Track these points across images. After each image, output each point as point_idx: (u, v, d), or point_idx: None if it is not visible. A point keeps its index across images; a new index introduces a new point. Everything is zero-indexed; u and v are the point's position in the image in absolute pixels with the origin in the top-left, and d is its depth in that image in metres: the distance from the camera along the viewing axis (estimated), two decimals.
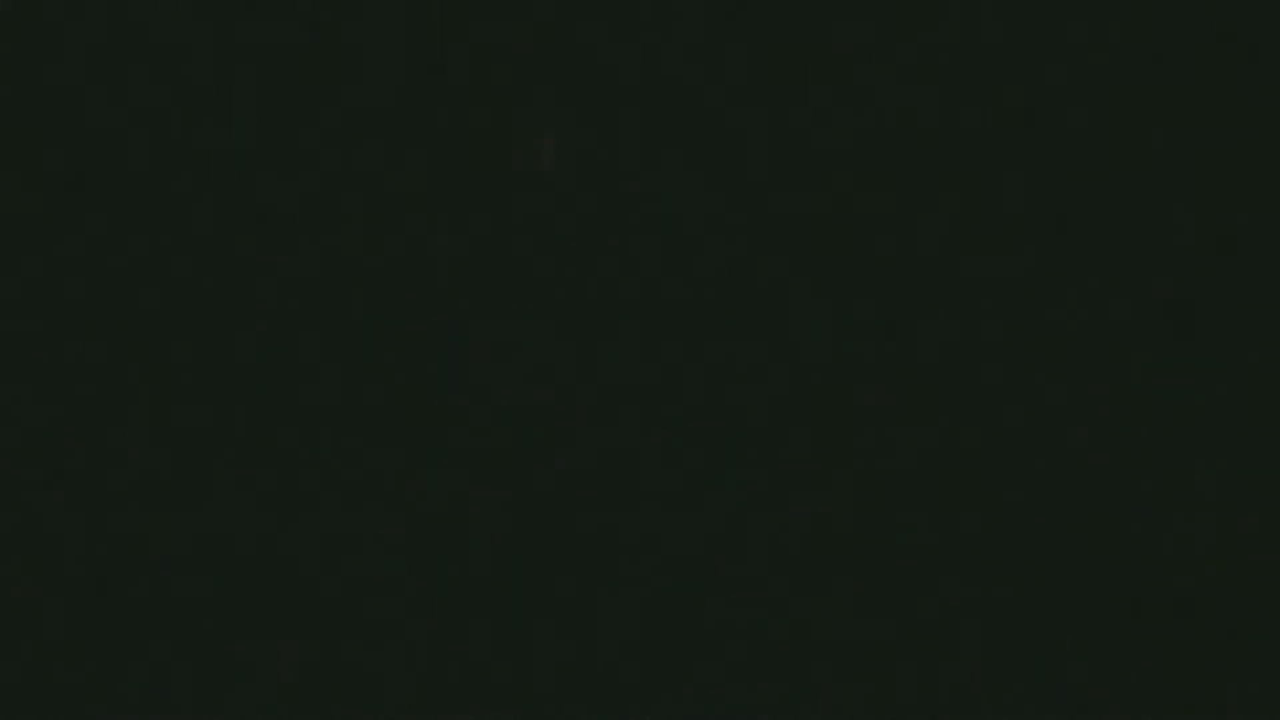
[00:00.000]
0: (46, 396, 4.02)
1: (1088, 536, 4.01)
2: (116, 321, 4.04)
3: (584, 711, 3.95)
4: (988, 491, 4.02)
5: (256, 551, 3.99)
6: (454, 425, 4.04)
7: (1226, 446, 4.02)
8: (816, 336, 4.07)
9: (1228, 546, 3.99)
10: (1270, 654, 3.94)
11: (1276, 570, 3.98)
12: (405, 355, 4.06)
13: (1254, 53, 4.08)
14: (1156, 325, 4.06)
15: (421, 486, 4.03)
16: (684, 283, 4.09)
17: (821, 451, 4.04)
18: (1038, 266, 4.08)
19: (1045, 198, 4.08)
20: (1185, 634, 3.96)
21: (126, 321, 4.04)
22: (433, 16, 4.11)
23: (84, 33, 4.06)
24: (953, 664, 3.96)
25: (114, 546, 3.98)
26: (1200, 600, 3.98)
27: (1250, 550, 3.99)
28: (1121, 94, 4.09)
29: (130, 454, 4.01)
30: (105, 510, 3.99)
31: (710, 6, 4.11)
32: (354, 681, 3.94)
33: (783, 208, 4.09)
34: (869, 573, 4.01)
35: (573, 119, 4.12)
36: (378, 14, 4.10)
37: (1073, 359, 4.05)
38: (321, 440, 4.03)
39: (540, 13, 4.11)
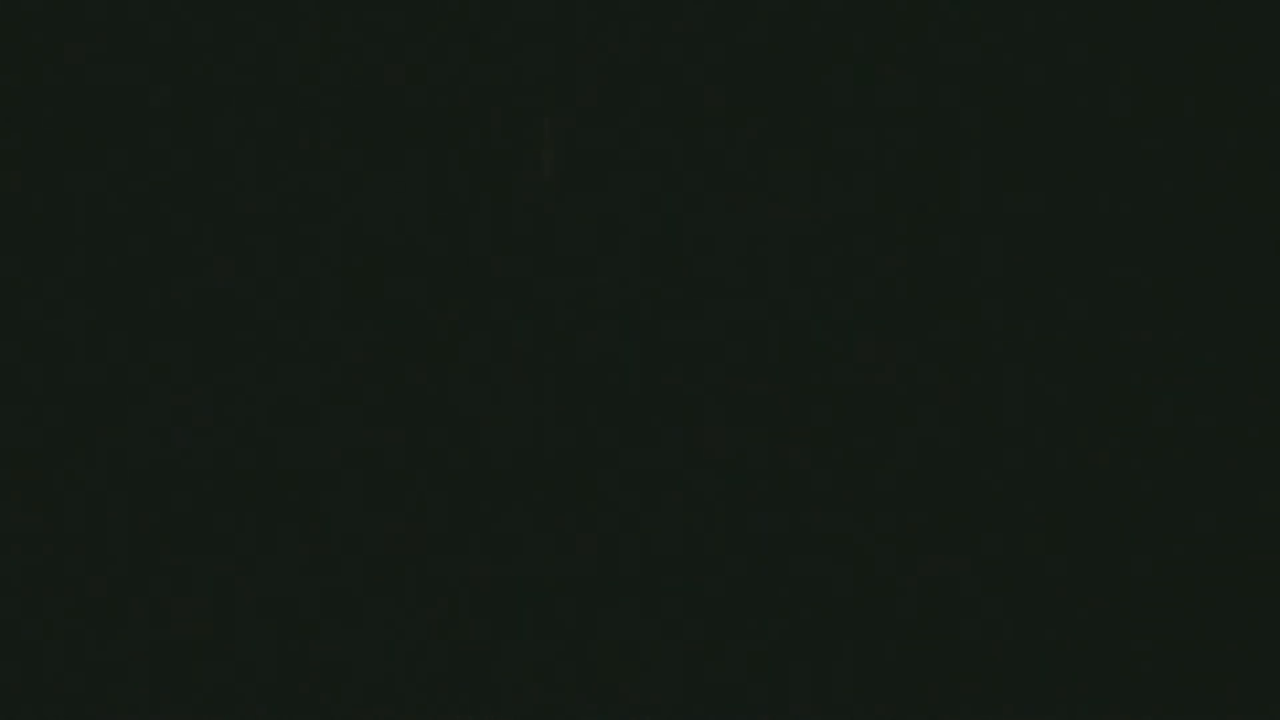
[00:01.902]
0: (49, 396, 4.05)
1: (1087, 536, 4.00)
2: (114, 324, 4.07)
3: (584, 711, 3.96)
4: (987, 492, 4.02)
5: (255, 551, 4.01)
6: (454, 426, 4.06)
7: (1226, 446, 4.01)
8: (818, 334, 4.07)
9: (1227, 546, 3.98)
10: (1270, 654, 3.93)
11: (1277, 570, 3.96)
12: (405, 356, 4.07)
13: (1254, 53, 4.07)
14: (1156, 325, 4.06)
15: (421, 486, 4.04)
16: (685, 285, 4.09)
17: (823, 452, 4.04)
18: (1037, 266, 4.08)
19: (1045, 198, 4.08)
20: (1185, 633, 3.95)
21: (124, 324, 4.07)
22: (434, 20, 4.13)
23: (82, 30, 4.10)
24: (953, 664, 3.96)
25: (112, 546, 4.00)
26: (1200, 600, 3.97)
27: (1250, 550, 3.98)
28: (1121, 94, 4.08)
29: (129, 450, 4.04)
30: (103, 510, 4.01)
31: (712, 9, 4.12)
32: (354, 681, 3.96)
33: (784, 208, 4.10)
34: (868, 573, 4.01)
35: (573, 123, 4.13)
36: (378, 17, 4.12)
37: (1073, 359, 4.05)
38: (321, 441, 4.04)
39: (542, 17, 4.12)
